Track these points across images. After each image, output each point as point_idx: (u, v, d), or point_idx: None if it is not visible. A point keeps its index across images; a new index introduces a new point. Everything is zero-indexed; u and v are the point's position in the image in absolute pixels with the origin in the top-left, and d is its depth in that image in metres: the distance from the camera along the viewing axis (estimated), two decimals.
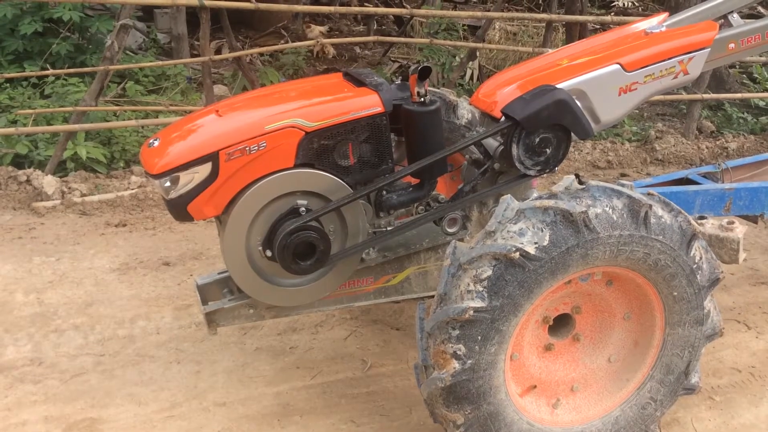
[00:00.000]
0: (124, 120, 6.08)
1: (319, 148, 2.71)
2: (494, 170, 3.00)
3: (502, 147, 2.91)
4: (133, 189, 5.49)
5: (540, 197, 2.50)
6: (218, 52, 10.16)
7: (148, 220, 5.05)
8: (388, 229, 2.95)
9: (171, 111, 5.83)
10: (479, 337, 2.42)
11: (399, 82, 2.98)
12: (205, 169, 2.62)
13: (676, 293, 2.62)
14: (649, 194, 2.57)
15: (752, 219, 3.62)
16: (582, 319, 2.75)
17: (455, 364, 2.43)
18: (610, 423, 2.77)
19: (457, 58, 7.71)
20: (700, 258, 2.62)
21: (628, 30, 3.29)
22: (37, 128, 5.58)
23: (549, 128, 2.86)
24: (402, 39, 7.37)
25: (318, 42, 5.56)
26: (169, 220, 5.03)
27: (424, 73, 2.77)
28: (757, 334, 3.74)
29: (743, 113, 7.22)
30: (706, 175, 3.68)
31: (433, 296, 3.18)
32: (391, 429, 3.04)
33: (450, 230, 3.01)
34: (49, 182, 5.30)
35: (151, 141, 2.74)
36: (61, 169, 5.66)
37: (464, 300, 2.40)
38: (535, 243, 2.38)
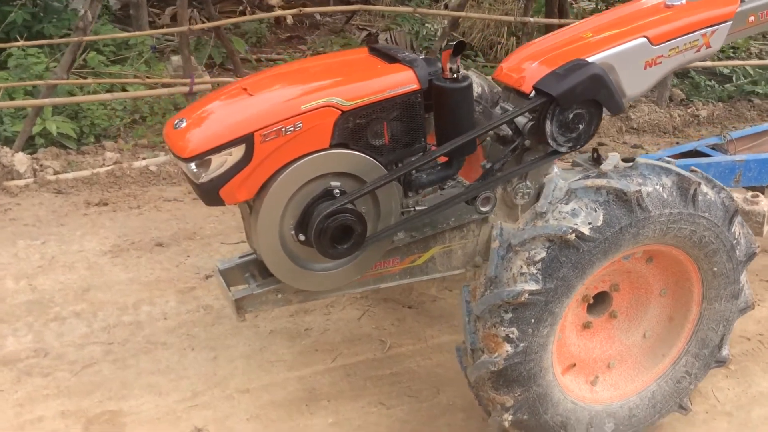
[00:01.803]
0: (90, 93, 5.81)
1: (354, 127, 2.61)
2: (523, 147, 2.95)
3: (532, 123, 2.86)
4: (108, 165, 5.26)
5: (588, 176, 2.46)
6: (173, 19, 9.84)
7: (130, 199, 4.85)
8: (417, 208, 2.88)
9: (145, 83, 5.57)
10: (532, 320, 2.38)
11: (423, 56, 2.89)
12: (238, 152, 2.49)
13: (716, 269, 2.63)
14: (692, 171, 2.56)
15: (759, 190, 3.67)
16: (619, 296, 2.75)
17: (507, 348, 2.40)
18: (646, 398, 2.79)
19: (426, 26, 7.61)
20: (739, 233, 2.64)
21: (646, 2, 3.26)
22: (4, 103, 5.27)
23: (582, 104, 2.82)
24: (388, 8, 7.13)
25: (300, 11, 5.37)
26: (152, 197, 4.86)
27: (458, 49, 2.68)
28: (758, 301, 3.83)
29: (710, 81, 7.35)
30: (714, 147, 3.71)
31: (456, 275, 3.17)
32: (422, 410, 3.00)
33: (484, 209, 2.94)
34: (20, 160, 5.03)
35: (176, 121, 2.59)
36: (28, 146, 5.38)
37: (518, 283, 2.36)
38: (590, 223, 2.35)
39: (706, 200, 2.50)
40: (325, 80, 2.66)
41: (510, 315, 2.38)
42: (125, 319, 3.50)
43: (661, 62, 3.04)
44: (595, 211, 2.37)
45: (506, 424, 2.53)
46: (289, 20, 9.62)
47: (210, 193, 2.55)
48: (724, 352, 2.85)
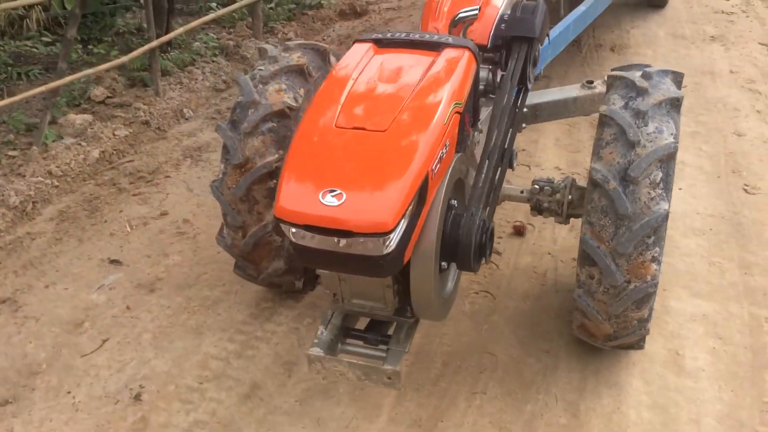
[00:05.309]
0: None
1: (459, 126, 2.34)
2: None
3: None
4: None
5: (634, 97, 2.69)
6: None
7: None
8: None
9: None
10: (664, 232, 2.63)
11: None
12: (415, 200, 2.04)
13: None
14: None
15: None
16: None
17: (655, 267, 2.61)
18: None
19: None
20: None
21: None
22: None
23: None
24: None
25: None
26: None
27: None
28: None
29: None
30: None
31: None
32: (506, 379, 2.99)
33: (514, 163, 2.94)
34: None
35: (324, 197, 1.94)
36: None
37: (652, 207, 2.55)
38: (672, 134, 2.65)
39: None
40: (434, 87, 2.27)
41: (653, 237, 2.58)
42: None
43: None
44: (669, 122, 2.67)
45: (645, 332, 2.80)
46: None
47: (395, 260, 2.08)
48: None
